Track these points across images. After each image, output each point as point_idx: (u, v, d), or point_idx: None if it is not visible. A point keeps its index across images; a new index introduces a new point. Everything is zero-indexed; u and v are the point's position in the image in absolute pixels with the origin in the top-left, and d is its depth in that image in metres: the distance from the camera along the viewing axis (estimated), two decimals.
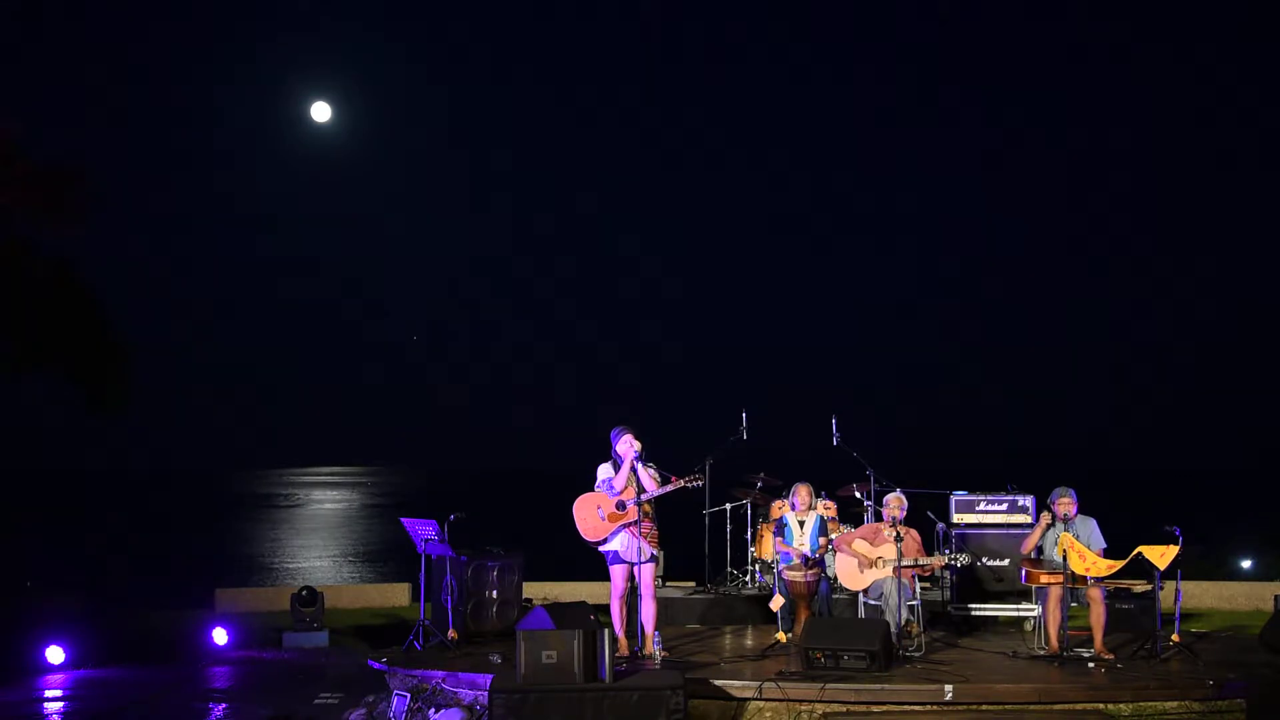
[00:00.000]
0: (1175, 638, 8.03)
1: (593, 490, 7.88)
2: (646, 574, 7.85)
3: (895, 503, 8.52)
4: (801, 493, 8.78)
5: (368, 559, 30.29)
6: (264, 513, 54.74)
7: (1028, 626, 9.14)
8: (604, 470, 7.92)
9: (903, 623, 8.05)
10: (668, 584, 10.74)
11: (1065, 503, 8.10)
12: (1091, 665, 7.62)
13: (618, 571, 7.85)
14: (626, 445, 7.79)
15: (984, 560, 9.48)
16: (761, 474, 10.62)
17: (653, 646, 7.69)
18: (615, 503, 7.77)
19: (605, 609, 8.03)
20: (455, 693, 7.47)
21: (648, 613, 7.87)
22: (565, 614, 7.50)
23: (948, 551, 9.15)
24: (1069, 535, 7.92)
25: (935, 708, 6.94)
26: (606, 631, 6.72)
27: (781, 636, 8.34)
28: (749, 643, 8.81)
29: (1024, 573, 8.25)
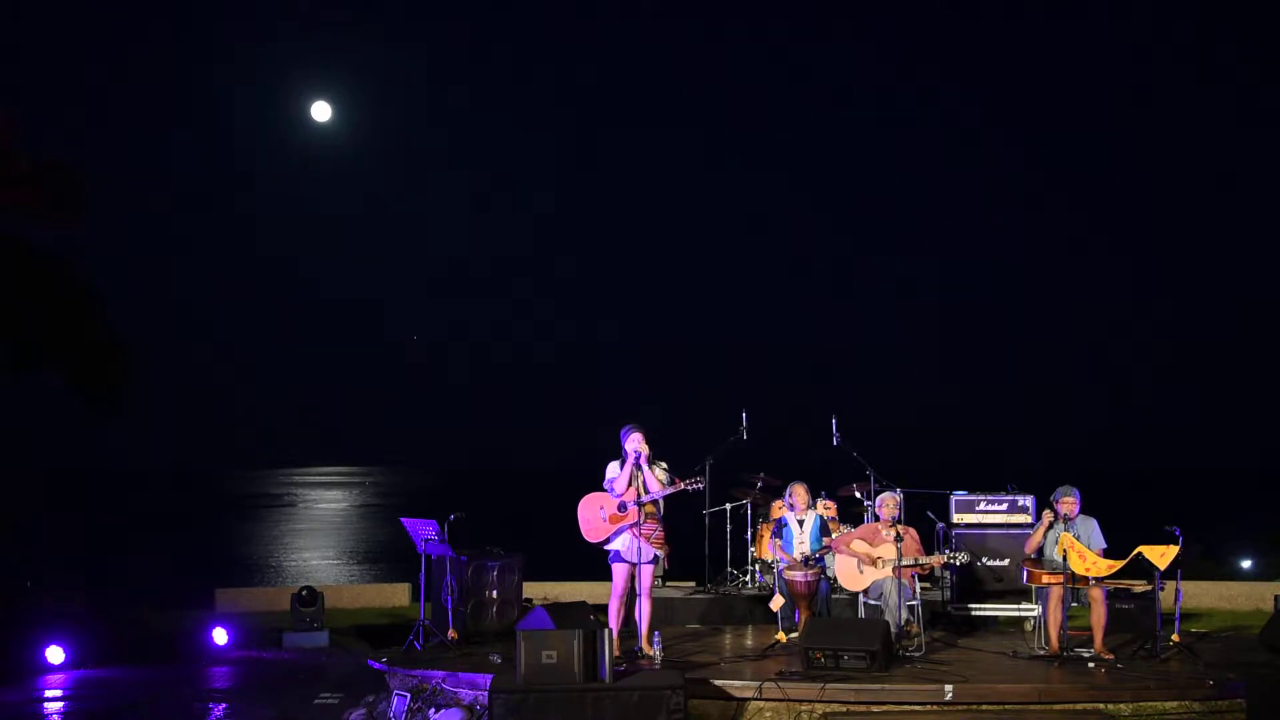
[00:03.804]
0: (1175, 638, 8.04)
1: (600, 489, 7.88)
2: (646, 575, 7.85)
3: (891, 502, 8.52)
4: (798, 492, 8.76)
5: (368, 559, 30.29)
6: (264, 513, 54.74)
7: (1028, 626, 9.13)
8: (612, 468, 7.91)
9: (903, 623, 8.05)
10: (668, 584, 10.73)
11: (1068, 502, 8.10)
12: (1091, 665, 7.62)
13: (619, 571, 7.85)
14: (633, 445, 7.77)
15: (984, 560, 9.48)
16: (761, 474, 10.61)
17: (651, 646, 7.68)
18: (617, 504, 7.77)
19: (605, 609, 8.03)
20: (455, 693, 7.46)
21: (644, 613, 7.86)
22: (565, 614, 7.49)
23: (947, 551, 9.14)
24: (1069, 535, 7.92)
25: (935, 708, 6.94)
26: (606, 631, 6.72)
27: (781, 636, 8.34)
28: (749, 643, 8.81)
29: (1025, 572, 8.25)
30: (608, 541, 7.83)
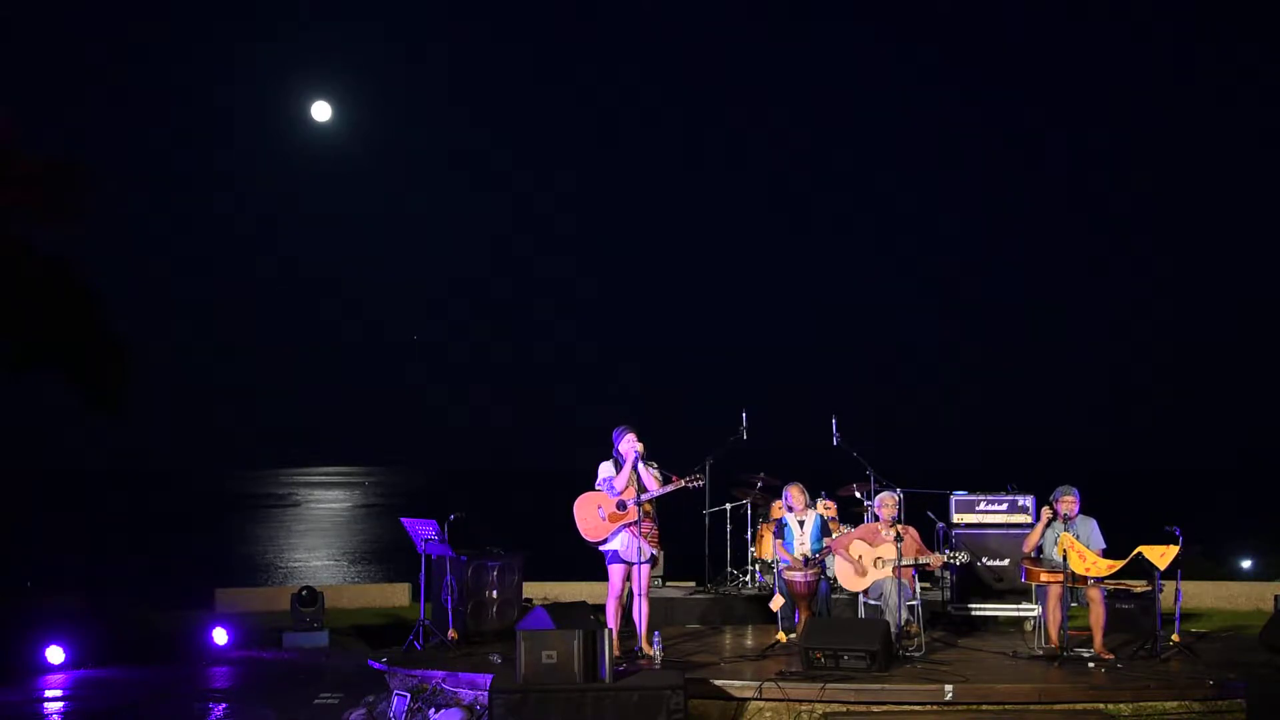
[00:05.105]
0: (1175, 638, 8.04)
1: (593, 489, 7.88)
2: (644, 574, 7.84)
3: (891, 502, 8.51)
4: (794, 493, 8.75)
5: (368, 559, 30.31)
6: (264, 513, 54.75)
7: (1028, 626, 9.13)
8: (605, 469, 7.91)
9: (903, 623, 8.05)
10: (668, 584, 10.73)
11: (1068, 501, 8.10)
12: (1091, 665, 7.61)
13: (616, 571, 7.84)
14: (629, 445, 7.78)
15: (984, 560, 9.47)
16: (761, 474, 10.61)
17: (651, 646, 7.68)
18: (616, 502, 7.76)
19: (604, 608, 8.02)
20: (455, 693, 7.46)
21: (643, 613, 7.86)
22: (565, 614, 7.49)
23: (947, 551, 9.14)
24: (1069, 535, 7.92)
25: (935, 708, 6.94)
26: (606, 632, 6.72)
27: (781, 636, 8.34)
28: (749, 643, 8.81)
29: (1024, 571, 8.25)
30: (605, 541, 7.82)
